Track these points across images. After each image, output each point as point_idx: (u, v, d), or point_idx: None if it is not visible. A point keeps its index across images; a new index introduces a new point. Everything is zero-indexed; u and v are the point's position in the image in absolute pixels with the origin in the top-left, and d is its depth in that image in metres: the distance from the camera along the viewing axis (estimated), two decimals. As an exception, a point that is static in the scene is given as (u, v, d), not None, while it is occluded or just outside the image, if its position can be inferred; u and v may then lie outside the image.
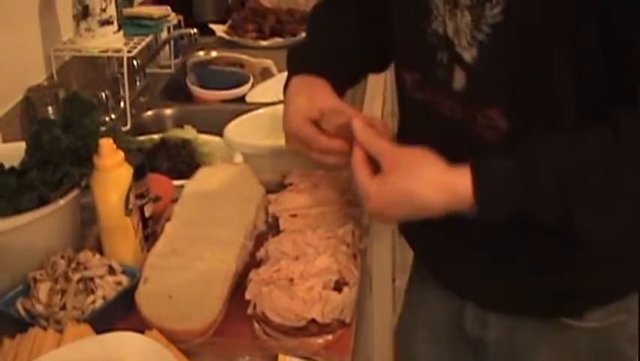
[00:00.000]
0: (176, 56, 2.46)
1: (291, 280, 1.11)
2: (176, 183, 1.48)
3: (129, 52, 1.91)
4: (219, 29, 2.67)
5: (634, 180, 0.95)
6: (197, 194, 1.33)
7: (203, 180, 1.37)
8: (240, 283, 1.16)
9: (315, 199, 1.27)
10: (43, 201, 1.19)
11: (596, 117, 0.98)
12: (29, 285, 1.16)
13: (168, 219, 1.29)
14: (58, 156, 1.22)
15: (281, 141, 1.25)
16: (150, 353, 0.99)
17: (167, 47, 2.41)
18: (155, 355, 0.99)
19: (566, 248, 1.06)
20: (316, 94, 1.18)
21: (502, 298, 1.19)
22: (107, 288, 1.16)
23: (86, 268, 1.17)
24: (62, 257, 1.19)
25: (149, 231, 1.32)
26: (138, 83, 2.27)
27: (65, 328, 1.07)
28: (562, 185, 0.96)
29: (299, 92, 1.20)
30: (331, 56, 1.26)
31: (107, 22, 1.86)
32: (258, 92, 2.20)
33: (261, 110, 1.73)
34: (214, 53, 2.46)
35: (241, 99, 2.20)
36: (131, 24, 2.07)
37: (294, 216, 1.23)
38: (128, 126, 1.98)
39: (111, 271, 1.19)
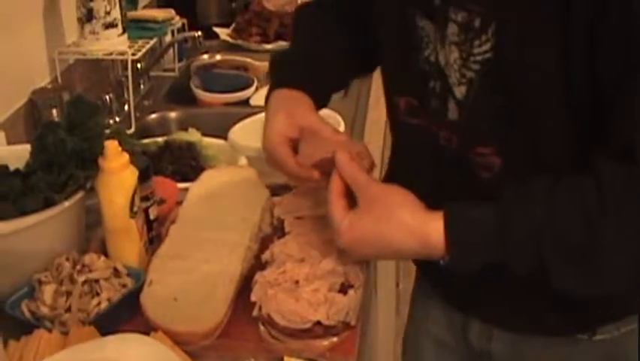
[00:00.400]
0: (180, 60, 2.46)
1: (297, 282, 1.10)
2: (180, 185, 1.48)
3: (133, 55, 1.91)
4: (223, 33, 2.67)
5: (614, 243, 0.91)
6: (202, 197, 1.33)
7: (208, 182, 1.37)
8: (245, 286, 1.16)
9: (320, 201, 1.26)
10: (48, 203, 1.18)
11: (589, 158, 0.95)
12: (34, 287, 1.16)
13: (173, 222, 1.29)
14: (63, 158, 1.22)
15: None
16: (156, 355, 0.99)
17: (170, 51, 2.41)
18: (160, 357, 0.99)
19: None
20: (295, 111, 1.15)
21: (508, 316, 1.17)
22: (112, 290, 1.16)
23: (90, 271, 1.17)
24: (67, 259, 1.19)
25: (154, 233, 1.31)
26: (142, 86, 2.28)
27: (70, 330, 1.07)
28: (538, 242, 0.92)
29: (278, 110, 1.16)
30: (313, 67, 1.23)
31: (111, 25, 1.87)
32: (262, 96, 2.17)
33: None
34: (218, 57, 2.46)
35: (245, 102, 2.20)
36: (135, 27, 2.08)
37: (299, 218, 1.23)
38: (133, 129, 1.98)
39: (116, 273, 1.19)
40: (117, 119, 1.99)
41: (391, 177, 1.27)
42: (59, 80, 1.86)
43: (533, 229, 0.93)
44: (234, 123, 1.77)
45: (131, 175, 1.21)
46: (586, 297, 1.01)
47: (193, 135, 1.82)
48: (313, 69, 1.22)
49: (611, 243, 0.91)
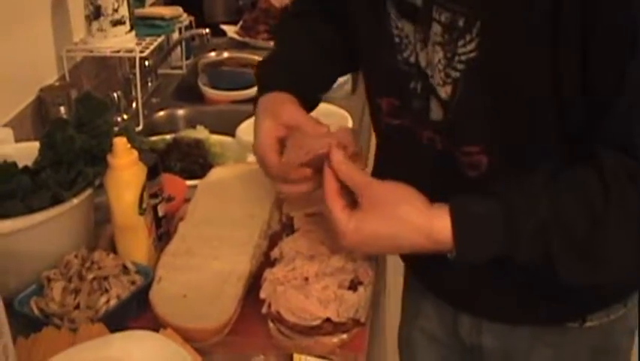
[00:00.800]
0: (187, 57, 2.46)
1: (306, 279, 1.10)
2: (188, 183, 1.48)
3: (141, 52, 1.91)
4: (230, 30, 2.66)
5: (618, 236, 0.92)
6: (211, 194, 1.33)
7: (216, 180, 1.37)
8: (254, 283, 1.15)
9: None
10: (56, 201, 1.18)
11: (578, 156, 0.95)
12: (43, 284, 1.16)
13: (181, 219, 1.29)
14: (71, 155, 1.22)
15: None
16: (166, 351, 0.99)
17: (178, 48, 2.41)
18: (170, 354, 0.99)
19: None
20: (279, 111, 1.13)
21: (498, 309, 1.18)
22: (121, 287, 1.15)
23: (99, 268, 1.17)
24: (76, 256, 1.19)
25: (163, 230, 1.31)
26: (150, 84, 2.27)
27: (79, 327, 1.07)
28: (545, 238, 0.93)
29: (263, 114, 1.15)
30: (297, 70, 1.22)
31: (119, 23, 1.86)
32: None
33: (272, 111, 1.72)
34: (225, 54, 2.46)
35: (252, 100, 2.19)
36: (142, 24, 2.07)
37: (308, 215, 1.23)
38: (141, 127, 1.98)
39: (125, 270, 1.18)
40: (125, 116, 1.98)
41: (376, 177, 1.26)
42: (67, 77, 1.86)
43: (540, 224, 0.93)
44: (242, 121, 1.77)
45: (139, 172, 1.20)
46: (592, 285, 1.02)
47: (201, 133, 1.82)
48: (297, 72, 1.22)
49: (615, 236, 0.92)
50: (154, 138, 1.81)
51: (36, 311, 1.14)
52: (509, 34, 0.94)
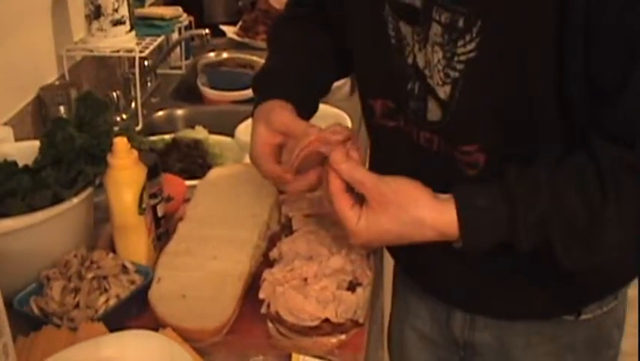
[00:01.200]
0: (187, 57, 2.46)
1: (305, 279, 1.10)
2: (188, 183, 1.49)
3: (141, 52, 1.91)
4: (230, 31, 2.67)
5: (616, 225, 0.94)
6: (210, 194, 1.33)
7: (216, 180, 1.38)
8: (253, 283, 1.16)
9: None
10: (56, 200, 1.19)
11: (586, 144, 0.97)
12: (42, 283, 1.16)
13: (181, 219, 1.29)
14: (72, 154, 1.22)
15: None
16: (164, 351, 0.99)
17: (178, 48, 2.41)
18: (169, 353, 0.99)
19: None
20: (272, 118, 1.13)
21: (494, 305, 1.19)
22: (121, 287, 1.16)
23: (99, 267, 1.17)
24: (75, 256, 1.19)
25: (162, 230, 1.31)
26: (149, 84, 2.28)
27: (79, 326, 1.07)
28: (546, 223, 0.95)
29: (258, 122, 1.15)
30: (294, 77, 1.22)
31: (119, 22, 1.86)
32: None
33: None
34: (225, 55, 2.46)
35: (252, 100, 2.18)
36: (142, 24, 2.07)
37: (307, 216, 1.23)
38: (140, 126, 1.98)
39: (124, 270, 1.19)
40: (124, 116, 1.99)
41: None
42: (67, 76, 1.86)
43: (540, 215, 0.94)
44: (241, 121, 1.77)
45: (139, 172, 1.21)
46: (592, 269, 1.05)
47: (200, 133, 1.82)
48: (293, 81, 1.22)
49: (613, 225, 0.94)
50: (153, 138, 1.81)
51: (36, 310, 1.14)
52: (511, 34, 0.94)
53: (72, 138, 1.23)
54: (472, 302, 1.21)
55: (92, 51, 1.90)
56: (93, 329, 1.07)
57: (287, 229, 1.24)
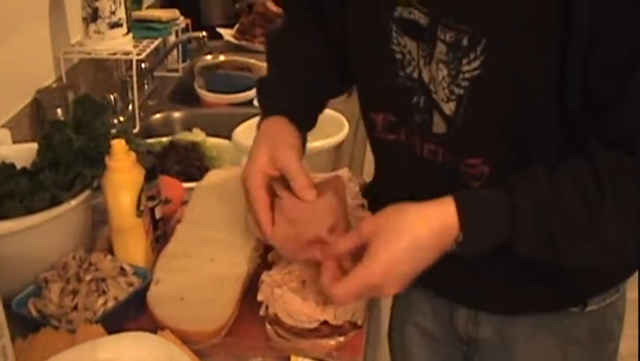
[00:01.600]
0: (184, 60, 2.47)
1: (303, 282, 1.10)
2: (186, 185, 1.49)
3: (138, 55, 1.91)
4: (227, 33, 2.67)
5: (614, 222, 0.96)
6: (208, 196, 1.33)
7: (213, 182, 1.37)
8: (251, 285, 1.16)
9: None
10: (54, 202, 1.18)
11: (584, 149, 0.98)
12: (41, 285, 1.16)
13: (179, 222, 1.29)
14: (69, 157, 1.22)
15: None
16: (163, 353, 0.99)
17: (175, 51, 2.42)
18: (167, 355, 0.99)
19: None
20: (278, 154, 1.11)
21: (499, 302, 1.19)
22: (119, 289, 1.16)
23: (97, 269, 1.17)
24: (74, 258, 1.19)
25: (160, 232, 1.31)
26: (146, 86, 2.28)
27: (77, 328, 1.07)
28: (547, 214, 0.96)
29: (264, 145, 1.13)
30: (298, 93, 1.22)
31: (116, 25, 1.87)
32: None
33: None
34: (222, 57, 2.46)
35: (249, 103, 2.20)
36: (139, 27, 2.08)
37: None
38: (137, 129, 1.98)
39: (122, 272, 1.19)
40: (121, 118, 1.99)
41: (376, 188, 1.28)
42: (64, 79, 1.86)
43: (542, 206, 0.95)
44: (238, 124, 1.77)
45: (137, 174, 1.21)
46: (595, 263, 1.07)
47: (197, 135, 1.83)
48: (297, 96, 1.21)
49: (611, 222, 0.95)
50: (151, 141, 1.81)
51: (34, 312, 1.14)
52: (514, 51, 0.95)
53: (70, 140, 1.23)
54: (477, 299, 1.21)
55: (89, 54, 1.90)
56: (91, 331, 1.07)
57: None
